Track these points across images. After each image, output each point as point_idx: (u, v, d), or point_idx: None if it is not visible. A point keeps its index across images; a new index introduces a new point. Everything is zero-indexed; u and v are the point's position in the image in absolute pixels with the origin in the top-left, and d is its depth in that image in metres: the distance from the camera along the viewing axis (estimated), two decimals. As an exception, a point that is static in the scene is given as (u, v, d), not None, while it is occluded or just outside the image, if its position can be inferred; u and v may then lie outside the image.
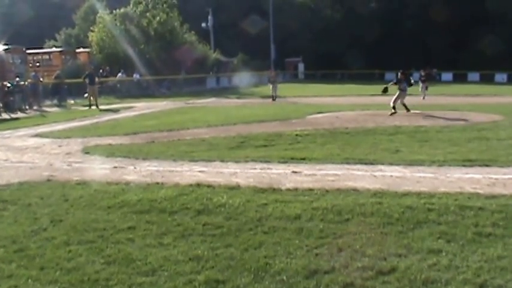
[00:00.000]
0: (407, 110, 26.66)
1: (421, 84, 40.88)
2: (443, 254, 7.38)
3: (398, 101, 26.87)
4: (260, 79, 75.65)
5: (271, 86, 41.61)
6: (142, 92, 52.78)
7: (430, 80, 65.41)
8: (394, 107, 26.47)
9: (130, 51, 57.67)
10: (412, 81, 28.77)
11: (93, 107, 36.63)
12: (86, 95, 39.74)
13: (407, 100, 27.44)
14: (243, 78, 68.88)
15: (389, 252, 7.46)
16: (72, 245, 8.14)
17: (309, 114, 27.25)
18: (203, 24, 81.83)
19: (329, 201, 9.89)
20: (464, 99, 38.78)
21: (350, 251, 7.55)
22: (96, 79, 40.48)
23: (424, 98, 38.87)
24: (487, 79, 71.80)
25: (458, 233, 8.17)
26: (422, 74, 42.15)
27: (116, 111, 33.98)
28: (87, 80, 38.73)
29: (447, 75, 77.42)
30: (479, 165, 13.25)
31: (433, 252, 7.43)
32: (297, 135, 19.38)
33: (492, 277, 6.66)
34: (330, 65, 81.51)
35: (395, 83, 27.86)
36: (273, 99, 40.05)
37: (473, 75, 75.64)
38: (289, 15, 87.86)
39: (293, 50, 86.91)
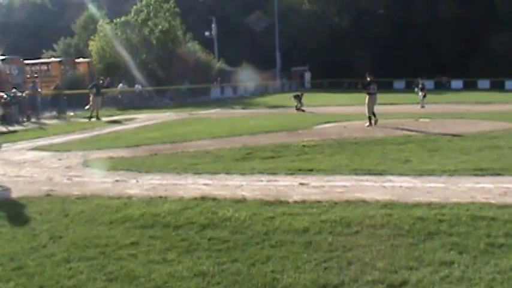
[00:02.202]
0: (370, 123, 26.04)
1: (420, 93, 40.94)
2: (456, 265, 7.24)
3: (373, 109, 26.44)
4: (266, 88, 75.71)
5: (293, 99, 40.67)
6: (145, 103, 52.48)
7: (440, 87, 65.81)
8: (370, 118, 26.16)
9: (132, 61, 57.43)
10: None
11: (93, 119, 36.27)
12: (87, 106, 39.24)
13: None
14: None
15: (400, 265, 7.32)
16: (73, 262, 7.93)
17: (316, 124, 27.13)
18: (207, 33, 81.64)
19: (338, 214, 9.73)
20: (474, 107, 38.89)
21: (360, 264, 7.41)
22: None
23: (422, 107, 38.93)
24: (497, 86, 71.84)
25: (470, 244, 8.04)
26: (420, 82, 42.13)
27: (117, 123, 33.80)
28: (94, 90, 38.39)
29: (457, 83, 77.59)
30: (491, 175, 13.13)
31: (445, 264, 7.30)
32: (304, 146, 19.20)
33: (505, 289, 6.53)
34: (337, 73, 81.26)
35: (364, 87, 27.52)
36: (298, 109, 39.32)
37: (484, 83, 75.74)
38: (295, 23, 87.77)
39: (299, 59, 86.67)
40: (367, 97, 26.74)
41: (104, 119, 36.57)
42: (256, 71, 77.29)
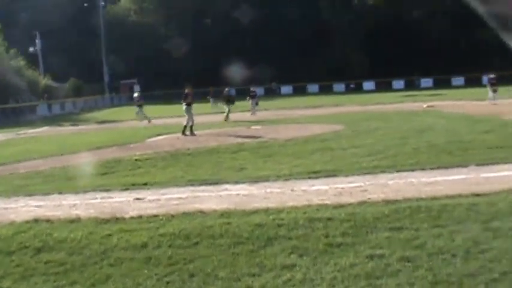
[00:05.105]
0: (184, 133, 26.76)
1: (250, 100, 41.31)
2: (297, 268, 7.38)
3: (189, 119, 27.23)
4: (95, 103, 74.44)
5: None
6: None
7: (271, 93, 67.06)
8: (185, 127, 26.91)
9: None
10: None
11: None
12: None
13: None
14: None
15: (243, 273, 7.39)
16: None
17: (149, 137, 26.94)
18: (31, 49, 79.17)
19: (176, 226, 9.67)
20: (305, 111, 40.11)
21: (202, 276, 7.41)
22: None
23: (253, 113, 39.36)
24: (326, 90, 74.21)
25: (309, 246, 8.22)
26: (251, 89, 42.63)
27: None
28: None
29: (287, 88, 79.39)
30: (325, 176, 13.58)
31: (287, 268, 7.41)
32: (137, 160, 18.99)
33: (346, 286, 6.78)
34: (168, 84, 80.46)
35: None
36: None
37: (313, 87, 78.02)
38: (122, 36, 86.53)
39: (129, 71, 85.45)
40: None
41: None
42: (83, 86, 76.03)
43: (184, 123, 27.00)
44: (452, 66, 69.97)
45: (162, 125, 34.33)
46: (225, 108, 36.39)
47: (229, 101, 37.11)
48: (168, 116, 42.50)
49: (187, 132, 26.62)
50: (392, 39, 75.68)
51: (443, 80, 70.77)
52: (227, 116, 35.16)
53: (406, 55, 73.87)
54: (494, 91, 37.79)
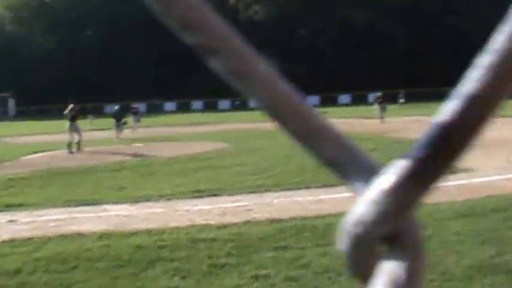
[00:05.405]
0: (78, 148, 26.50)
1: (132, 117, 40.38)
2: None
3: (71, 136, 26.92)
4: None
5: None
6: None
7: (153, 109, 66.47)
8: (69, 145, 26.43)
9: None
10: None
11: None
12: None
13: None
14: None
15: None
16: None
17: (23, 155, 25.93)
18: None
19: (52, 250, 9.31)
20: (188, 128, 40.12)
21: None
22: None
23: (134, 130, 38.48)
24: (211, 107, 74.40)
25: (193, 267, 8.13)
26: (133, 106, 41.97)
27: None
28: None
29: (170, 105, 79.05)
30: (209, 196, 13.56)
31: None
32: (10, 179, 18.19)
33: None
34: (47, 99, 78.03)
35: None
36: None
37: (197, 104, 78.06)
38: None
39: (4, 84, 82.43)
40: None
41: None
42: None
43: (77, 139, 26.52)
44: (338, 84, 71.36)
45: (38, 142, 33.22)
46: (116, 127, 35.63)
47: (122, 118, 36.16)
48: (45, 132, 41.47)
49: (83, 148, 26.28)
50: (280, 56, 76.88)
51: (329, 97, 71.92)
52: (119, 134, 34.54)
53: (292, 72, 74.97)
54: (382, 109, 38.64)
